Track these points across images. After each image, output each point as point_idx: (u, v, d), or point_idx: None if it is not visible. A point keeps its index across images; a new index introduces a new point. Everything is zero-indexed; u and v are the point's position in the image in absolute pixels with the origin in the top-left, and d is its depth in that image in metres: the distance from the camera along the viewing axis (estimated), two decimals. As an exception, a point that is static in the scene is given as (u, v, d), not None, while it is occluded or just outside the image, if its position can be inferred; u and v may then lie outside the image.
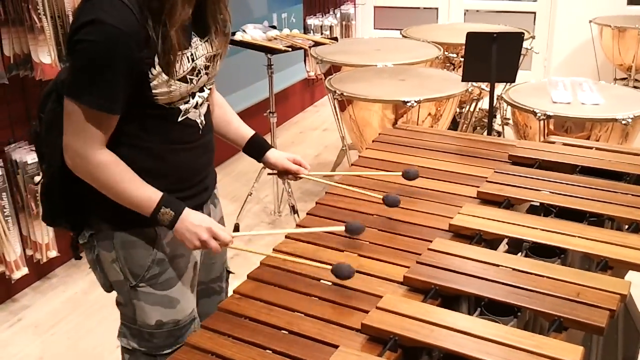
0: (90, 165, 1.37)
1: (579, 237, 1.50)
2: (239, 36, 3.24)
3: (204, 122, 1.53)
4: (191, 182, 1.54)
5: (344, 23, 5.51)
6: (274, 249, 1.56)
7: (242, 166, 4.13)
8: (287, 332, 1.26)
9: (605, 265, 1.42)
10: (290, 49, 3.15)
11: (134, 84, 1.35)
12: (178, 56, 1.37)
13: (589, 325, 1.20)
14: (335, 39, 3.58)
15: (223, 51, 1.53)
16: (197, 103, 1.49)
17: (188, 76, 1.42)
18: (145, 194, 1.41)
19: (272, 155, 1.74)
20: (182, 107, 1.45)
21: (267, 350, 1.21)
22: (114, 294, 1.60)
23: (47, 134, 1.45)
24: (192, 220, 1.42)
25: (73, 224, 1.54)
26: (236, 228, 3.40)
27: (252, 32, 3.29)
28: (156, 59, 1.35)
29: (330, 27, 5.25)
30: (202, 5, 1.44)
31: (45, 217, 1.56)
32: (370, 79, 3.35)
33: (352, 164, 2.06)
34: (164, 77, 1.37)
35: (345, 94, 3.09)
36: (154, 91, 1.37)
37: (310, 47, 3.34)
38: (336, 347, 1.18)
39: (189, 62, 1.42)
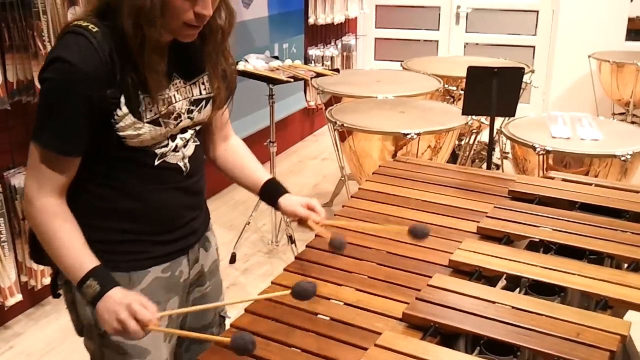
0: (33, 208, 1.31)
1: (578, 275, 1.49)
2: (241, 66, 3.26)
3: (187, 165, 1.44)
4: (173, 225, 1.46)
5: (344, 54, 5.56)
6: (273, 282, 1.54)
7: (239, 195, 4.13)
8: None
9: (605, 304, 1.41)
10: (292, 80, 3.17)
11: (97, 124, 1.29)
12: (157, 96, 1.32)
13: (589, 366, 1.19)
14: (337, 70, 3.60)
15: (220, 95, 1.46)
16: (176, 146, 1.41)
17: (162, 119, 1.35)
18: (79, 258, 1.30)
19: (284, 201, 1.61)
20: (158, 150, 1.38)
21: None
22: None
23: None
24: (115, 299, 1.27)
25: (54, 265, 1.43)
26: (233, 258, 3.38)
27: (255, 62, 3.32)
28: (122, 100, 1.29)
29: (332, 58, 5.29)
30: (192, 48, 1.38)
31: (32, 255, 1.51)
32: (371, 111, 3.36)
33: (352, 196, 2.06)
34: (132, 118, 1.31)
35: (345, 124, 3.10)
36: (120, 133, 1.31)
37: (312, 77, 3.37)
38: (333, 384, 1.17)
39: (164, 104, 1.35)
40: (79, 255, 1.31)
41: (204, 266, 1.58)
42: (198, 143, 1.49)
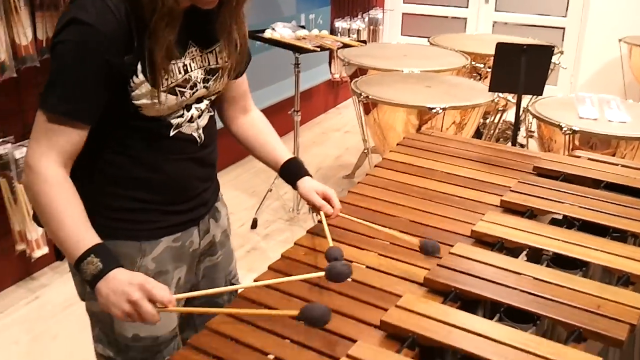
0: (34, 175, 1.22)
1: (601, 250, 1.49)
2: (268, 34, 3.26)
3: (202, 136, 1.42)
4: (185, 196, 1.44)
5: (371, 27, 5.53)
6: (296, 242, 1.57)
7: (261, 163, 4.15)
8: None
9: (627, 280, 1.42)
10: (318, 49, 3.17)
11: (112, 91, 1.25)
12: (166, 66, 1.27)
13: (608, 337, 1.20)
14: (364, 42, 3.60)
15: (234, 66, 1.43)
16: (192, 116, 1.38)
17: (178, 88, 1.32)
18: (79, 233, 1.20)
19: (301, 184, 1.57)
20: (174, 121, 1.35)
21: (286, 340, 1.22)
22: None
23: None
24: (121, 279, 1.17)
25: None
26: (254, 223, 3.42)
27: (282, 31, 3.32)
28: (139, 67, 1.25)
29: (358, 31, 5.26)
30: (209, 16, 1.34)
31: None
32: (397, 84, 3.35)
33: (375, 166, 2.07)
34: (148, 86, 1.26)
35: (370, 96, 3.10)
36: (135, 102, 1.27)
37: (338, 48, 3.36)
38: (354, 341, 1.19)
39: (180, 72, 1.31)
40: (79, 230, 1.21)
41: (215, 236, 1.58)
42: (212, 113, 1.47)
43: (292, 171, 1.59)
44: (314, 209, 1.58)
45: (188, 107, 1.37)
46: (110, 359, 1.48)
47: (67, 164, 1.26)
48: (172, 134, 1.36)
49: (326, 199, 1.56)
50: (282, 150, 1.61)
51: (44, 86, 1.24)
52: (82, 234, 1.21)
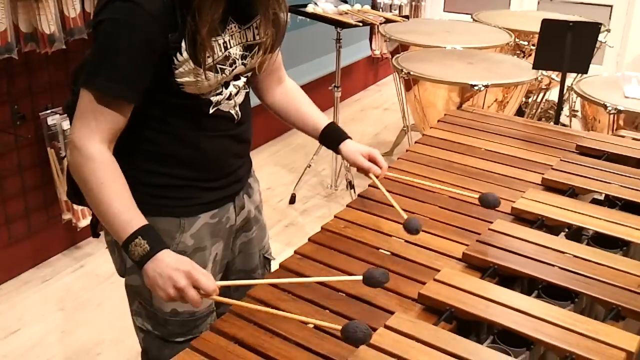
0: (82, 156, 1.23)
1: (643, 230, 1.48)
2: (310, 8, 3.26)
3: (239, 113, 1.43)
4: (222, 172, 1.45)
5: (413, 3, 5.46)
6: (336, 216, 1.59)
7: (300, 139, 4.18)
8: (344, 295, 1.30)
9: (668, 260, 1.40)
10: (360, 24, 3.16)
11: (156, 69, 1.25)
12: (210, 43, 1.27)
13: (647, 316, 1.20)
14: (407, 17, 3.57)
15: (271, 43, 1.42)
16: (230, 94, 1.39)
17: (219, 65, 1.32)
18: (126, 214, 1.21)
19: (344, 147, 1.59)
20: (213, 98, 1.36)
21: (326, 310, 1.25)
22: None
23: (73, 103, 1.34)
24: (169, 262, 1.18)
25: None
26: (292, 198, 3.46)
27: (324, 5, 3.31)
28: (183, 45, 1.25)
29: (400, 7, 5.21)
30: None
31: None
32: (438, 60, 3.33)
33: (415, 142, 2.07)
34: (191, 65, 1.27)
35: (412, 73, 3.09)
36: (178, 80, 1.27)
37: (380, 23, 3.34)
38: (392, 313, 1.21)
39: (221, 50, 1.32)
40: (127, 211, 1.22)
41: (250, 212, 1.60)
42: (248, 90, 1.48)
43: (333, 135, 1.61)
44: (361, 171, 1.60)
45: (226, 85, 1.39)
46: (149, 332, 1.51)
47: (111, 143, 1.28)
48: (211, 111, 1.37)
49: (372, 160, 1.58)
50: (320, 116, 1.62)
51: (87, 64, 1.25)
52: (129, 215, 1.22)
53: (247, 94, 1.48)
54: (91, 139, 1.23)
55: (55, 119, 2.68)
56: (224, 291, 1.59)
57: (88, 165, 1.23)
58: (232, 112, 1.42)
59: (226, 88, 1.38)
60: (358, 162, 1.57)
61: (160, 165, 1.38)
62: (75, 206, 2.78)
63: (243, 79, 1.43)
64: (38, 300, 2.65)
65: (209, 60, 1.30)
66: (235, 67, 1.37)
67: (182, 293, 1.17)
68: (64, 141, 2.70)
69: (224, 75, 1.34)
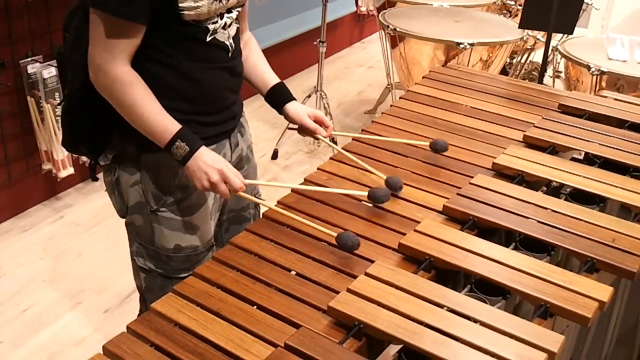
0: (110, 79, 1.34)
1: (620, 187, 1.51)
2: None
3: (232, 44, 1.48)
4: (219, 106, 1.50)
5: (401, -40, 5.39)
6: (319, 168, 1.60)
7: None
8: (326, 244, 1.31)
9: (643, 217, 1.43)
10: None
11: None
12: None
13: (621, 269, 1.23)
14: (394, -27, 3.52)
15: None
16: (225, 24, 1.44)
17: None
18: (162, 123, 1.37)
19: (291, 107, 1.62)
20: (210, 26, 1.40)
21: (308, 258, 1.27)
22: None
23: (70, 52, 1.42)
24: (205, 159, 1.37)
25: (94, 147, 1.51)
26: (275, 154, 3.46)
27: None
28: None
29: (387, -37, 5.14)
30: None
31: (65, 142, 1.54)
32: (425, 17, 3.30)
33: (400, 97, 2.07)
34: None
35: (398, 29, 3.07)
36: (180, 4, 1.32)
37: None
38: (372, 261, 1.23)
39: None
40: (161, 119, 1.36)
41: (243, 150, 1.63)
42: (238, 25, 1.51)
43: (280, 94, 1.63)
44: (306, 132, 1.63)
45: (221, 16, 1.42)
46: (152, 270, 1.56)
47: (131, 59, 1.36)
48: (208, 39, 1.41)
49: (318, 122, 1.62)
50: (271, 76, 1.65)
51: None
52: (164, 122, 1.36)
53: (237, 29, 1.51)
54: (113, 60, 1.32)
55: (35, 68, 2.63)
56: (216, 235, 1.64)
57: (118, 87, 1.34)
58: (227, 43, 1.45)
59: (221, 19, 1.42)
60: (304, 122, 1.60)
61: (160, 99, 1.40)
62: (55, 156, 2.76)
63: (234, 12, 1.47)
64: (18, 249, 2.65)
65: None
66: None
67: (213, 186, 1.37)
68: (44, 90, 2.66)
69: (221, 3, 1.38)
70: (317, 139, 1.64)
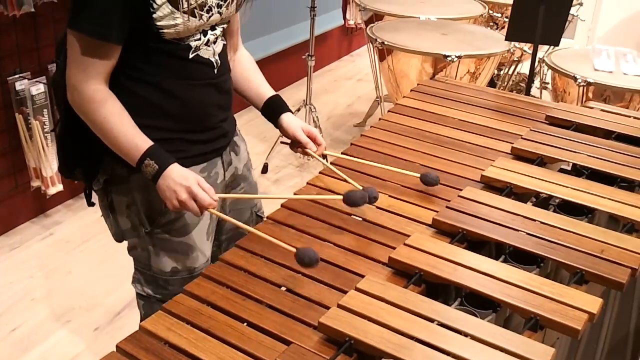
0: (83, 98, 1.33)
1: (608, 198, 1.52)
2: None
3: (219, 61, 1.46)
4: (207, 124, 1.49)
5: (388, -26, 5.43)
6: (309, 182, 1.60)
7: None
8: (316, 259, 1.31)
9: (631, 228, 1.44)
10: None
11: (135, 12, 1.29)
12: None
13: (610, 280, 1.24)
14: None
15: None
16: (208, 40, 1.42)
17: (197, 11, 1.36)
18: (133, 141, 1.35)
19: (286, 119, 1.60)
20: (192, 43, 1.39)
21: (298, 274, 1.26)
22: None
23: (61, 78, 1.42)
24: (175, 177, 1.34)
25: (87, 171, 1.51)
26: (265, 168, 3.46)
27: (298, -27, 3.28)
28: None
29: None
30: None
31: (60, 168, 1.54)
32: (412, 31, 3.33)
33: (388, 111, 2.08)
34: (169, 8, 1.31)
35: (386, 42, 3.09)
36: (157, 23, 1.31)
37: (354, -7, 3.32)
38: (363, 276, 1.23)
39: None
40: (132, 137, 1.35)
41: (237, 169, 1.62)
42: (225, 42, 1.51)
43: (275, 106, 1.62)
44: (293, 146, 1.62)
45: (204, 33, 1.41)
46: (149, 297, 1.55)
47: (107, 79, 1.36)
48: (191, 56, 1.40)
49: (311, 137, 1.60)
50: (267, 88, 1.64)
51: (71, 8, 1.30)
52: (134, 141, 1.35)
53: (224, 45, 1.50)
54: (86, 80, 1.32)
55: (23, 84, 2.63)
56: (215, 255, 1.62)
57: (90, 106, 1.34)
58: (212, 59, 1.44)
59: (204, 35, 1.41)
60: (297, 135, 1.58)
61: (145, 118, 1.40)
62: (44, 173, 2.75)
63: (219, 29, 1.45)
64: (6, 268, 2.63)
65: (186, 4, 1.33)
66: (212, 14, 1.39)
67: (182, 205, 1.34)
68: (32, 107, 2.66)
69: (201, 20, 1.37)
70: (307, 154, 1.62)
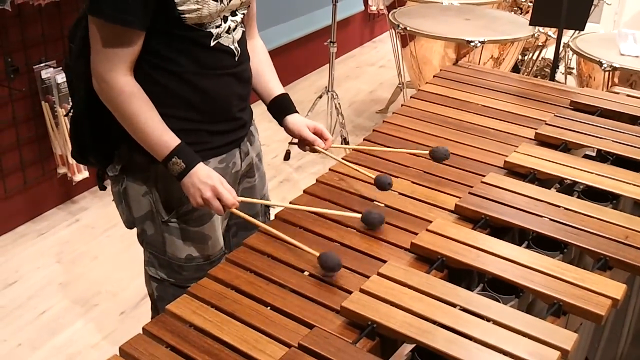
0: (113, 91, 1.33)
1: (633, 184, 1.50)
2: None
3: (238, 49, 1.45)
4: (228, 115, 1.48)
5: (411, -41, 5.38)
6: (331, 169, 1.61)
7: (296, 95, 4.16)
8: (338, 244, 1.32)
9: (657, 213, 1.43)
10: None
11: None
12: None
13: (634, 266, 1.23)
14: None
15: None
16: (229, 27, 1.42)
17: None
18: (162, 137, 1.36)
19: (291, 119, 1.58)
20: (214, 30, 1.39)
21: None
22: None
23: (75, 63, 1.42)
24: (200, 176, 1.37)
25: (103, 156, 1.50)
26: (287, 155, 3.47)
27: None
28: None
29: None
30: None
31: (73, 153, 1.54)
32: (435, 16, 3.30)
33: (411, 97, 2.08)
34: None
35: (408, 28, 3.07)
36: (179, 8, 1.31)
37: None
38: (385, 261, 1.24)
39: None
40: (160, 134, 1.36)
41: (253, 159, 1.62)
42: (244, 29, 1.50)
43: (283, 105, 1.60)
44: (301, 144, 1.60)
45: (225, 19, 1.40)
46: (164, 280, 1.56)
47: (132, 68, 1.36)
48: (212, 44, 1.39)
49: (317, 133, 1.58)
50: (277, 85, 1.62)
51: None
52: (163, 137, 1.36)
53: (244, 33, 1.49)
54: (115, 71, 1.32)
55: (49, 73, 2.66)
56: (226, 242, 1.64)
57: (119, 98, 1.34)
58: (232, 47, 1.44)
59: (225, 22, 1.40)
60: (303, 133, 1.57)
61: (167, 107, 1.40)
62: (70, 160, 2.79)
63: (239, 15, 1.45)
64: (34, 253, 2.68)
65: None
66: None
67: (206, 203, 1.37)
68: (58, 95, 2.69)
69: (222, 4, 1.36)
70: (316, 150, 1.59)
